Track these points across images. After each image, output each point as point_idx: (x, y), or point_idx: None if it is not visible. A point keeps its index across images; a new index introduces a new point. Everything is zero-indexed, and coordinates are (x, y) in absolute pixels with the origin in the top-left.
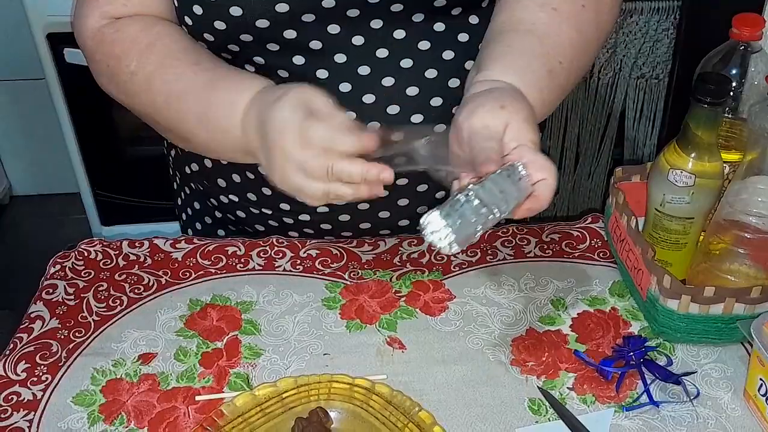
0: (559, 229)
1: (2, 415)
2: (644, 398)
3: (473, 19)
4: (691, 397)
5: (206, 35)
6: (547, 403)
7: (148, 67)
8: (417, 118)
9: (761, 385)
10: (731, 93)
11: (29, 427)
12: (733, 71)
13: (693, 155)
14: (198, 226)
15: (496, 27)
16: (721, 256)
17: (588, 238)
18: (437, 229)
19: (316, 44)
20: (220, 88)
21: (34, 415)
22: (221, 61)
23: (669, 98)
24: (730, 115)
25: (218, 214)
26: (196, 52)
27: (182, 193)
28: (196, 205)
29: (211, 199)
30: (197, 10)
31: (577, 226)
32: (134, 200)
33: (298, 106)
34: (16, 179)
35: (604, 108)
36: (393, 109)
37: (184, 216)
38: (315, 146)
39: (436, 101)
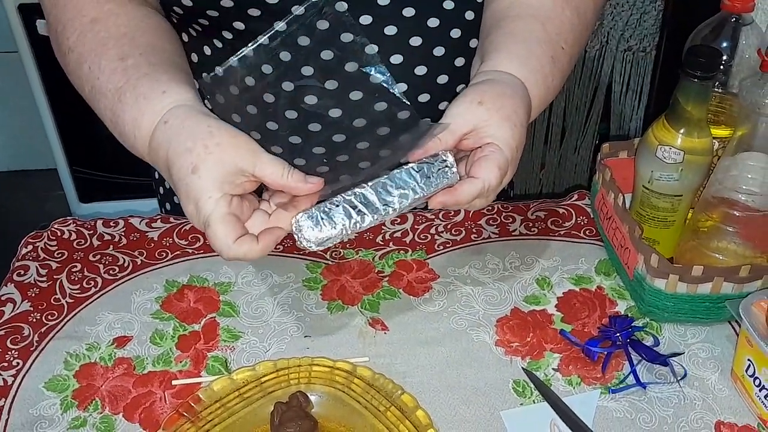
0: (544, 206)
1: None
2: (631, 379)
3: None
4: (678, 378)
5: (183, 1)
6: (531, 385)
7: (82, 48)
8: (401, 87)
9: (749, 366)
10: (722, 66)
11: (0, 414)
12: (724, 44)
13: (682, 131)
14: (176, 200)
15: (499, 12)
16: (709, 233)
17: (574, 215)
18: (299, 229)
19: (299, 9)
20: (125, 101)
21: (5, 401)
22: (153, 55)
23: (656, 71)
24: (720, 90)
25: None
26: (129, 42)
27: None
28: None
29: None
30: None
31: (563, 203)
32: (113, 177)
33: (218, 184)
34: None
35: (590, 81)
36: (377, 79)
37: (161, 190)
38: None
39: (421, 70)
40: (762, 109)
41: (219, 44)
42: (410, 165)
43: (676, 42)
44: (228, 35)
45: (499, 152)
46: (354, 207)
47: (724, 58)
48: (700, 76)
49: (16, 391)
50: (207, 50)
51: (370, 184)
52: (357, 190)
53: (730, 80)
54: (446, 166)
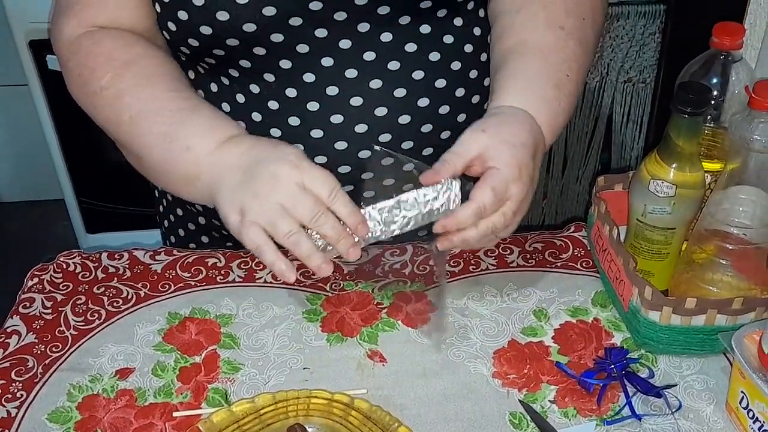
0: (542, 238)
1: None
2: (626, 411)
3: (458, 21)
4: (673, 410)
5: (190, 41)
6: (528, 417)
7: (121, 84)
8: (404, 119)
9: (743, 398)
10: (712, 102)
11: None
12: (714, 80)
13: (674, 165)
14: (181, 233)
15: (505, 51)
16: (703, 266)
17: (571, 247)
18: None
19: (303, 48)
20: (201, 113)
21: None
22: (196, 93)
23: (656, 102)
24: (712, 125)
25: (201, 220)
26: (174, 79)
27: (164, 200)
28: (179, 212)
29: (195, 206)
30: (182, 15)
31: (560, 235)
32: (120, 208)
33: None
34: (2, 185)
35: (591, 112)
36: (381, 111)
37: (166, 223)
38: (317, 188)
39: (423, 102)
40: (751, 144)
41: (226, 81)
42: (419, 191)
43: (674, 74)
44: (234, 73)
45: (496, 173)
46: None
47: (715, 93)
48: (690, 112)
49: (20, 423)
50: (213, 87)
51: (378, 206)
52: (368, 208)
53: (722, 115)
54: (450, 195)
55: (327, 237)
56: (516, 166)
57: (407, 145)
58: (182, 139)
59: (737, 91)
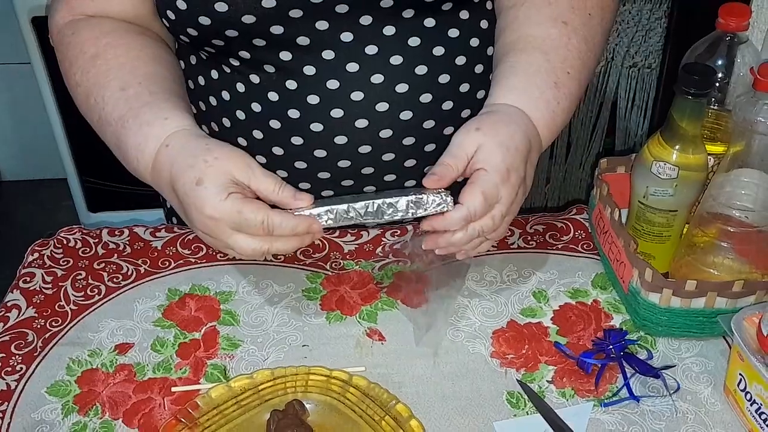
0: (543, 220)
1: None
2: (624, 392)
3: (464, 15)
4: (671, 392)
5: (189, 30)
6: (525, 397)
7: (87, 83)
8: (406, 115)
9: (740, 381)
10: (716, 84)
11: (2, 418)
12: (719, 62)
13: (677, 147)
14: None
15: (506, 46)
16: (704, 249)
17: (572, 229)
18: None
19: (303, 40)
20: (131, 127)
21: (8, 405)
22: (153, 83)
23: (661, 88)
24: (716, 107)
25: None
26: (129, 72)
27: None
28: None
29: None
30: (180, 5)
31: (561, 217)
32: (123, 187)
33: (223, 188)
34: (5, 164)
35: (596, 97)
36: (382, 107)
37: (168, 204)
38: (249, 230)
39: (426, 98)
40: (755, 126)
41: (227, 69)
42: (410, 200)
43: (679, 59)
44: (235, 62)
45: (486, 177)
46: (350, 218)
47: (719, 75)
48: (694, 93)
49: (19, 396)
50: (214, 74)
51: (369, 208)
52: (359, 204)
53: (727, 97)
54: (443, 204)
55: (283, 253)
56: (506, 170)
57: (409, 141)
58: (127, 158)
59: (742, 73)
